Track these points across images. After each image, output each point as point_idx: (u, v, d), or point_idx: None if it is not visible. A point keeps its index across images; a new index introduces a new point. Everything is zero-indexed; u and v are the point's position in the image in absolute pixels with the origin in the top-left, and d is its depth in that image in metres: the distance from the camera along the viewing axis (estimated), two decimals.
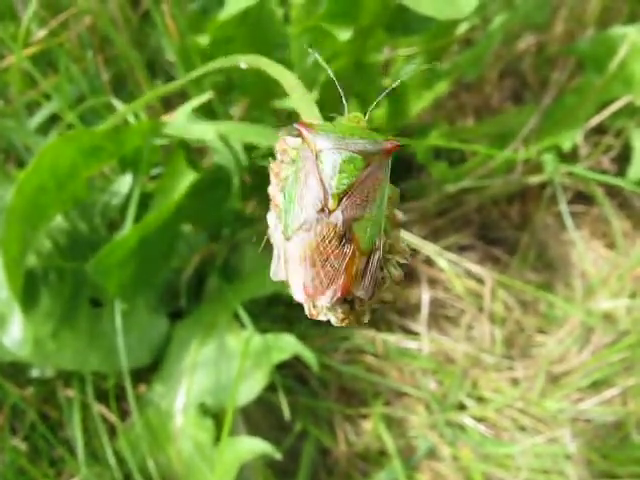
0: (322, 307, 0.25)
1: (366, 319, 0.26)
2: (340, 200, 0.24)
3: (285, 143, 0.28)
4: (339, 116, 0.29)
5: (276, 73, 0.36)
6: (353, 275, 0.25)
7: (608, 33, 0.76)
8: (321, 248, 0.24)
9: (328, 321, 0.26)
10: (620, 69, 0.73)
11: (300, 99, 0.31)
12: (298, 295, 0.25)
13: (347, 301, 0.25)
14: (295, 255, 0.25)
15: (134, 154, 0.60)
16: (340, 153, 0.25)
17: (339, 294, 0.24)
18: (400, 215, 0.27)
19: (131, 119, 0.63)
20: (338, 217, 0.24)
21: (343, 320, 0.26)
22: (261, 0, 0.62)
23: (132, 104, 0.60)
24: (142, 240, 0.56)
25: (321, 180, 0.25)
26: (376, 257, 0.25)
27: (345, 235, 0.25)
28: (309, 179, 0.25)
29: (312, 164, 0.25)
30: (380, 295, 0.26)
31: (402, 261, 0.27)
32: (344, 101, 0.29)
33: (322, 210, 0.25)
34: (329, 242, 0.24)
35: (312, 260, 0.24)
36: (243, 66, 0.40)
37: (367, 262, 0.25)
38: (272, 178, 0.28)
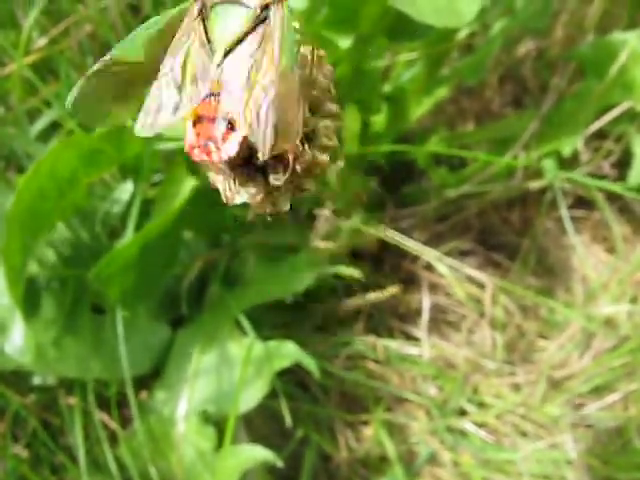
0: (236, 187, 0.24)
1: (285, 205, 0.25)
2: (226, 55, 0.23)
3: None
4: None
5: None
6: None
7: (608, 39, 0.76)
8: (209, 107, 0.22)
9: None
10: (620, 75, 0.73)
11: None
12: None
13: (260, 174, 0.24)
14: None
15: (134, 160, 0.60)
16: (226, 6, 0.23)
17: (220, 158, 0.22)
18: (326, 81, 0.26)
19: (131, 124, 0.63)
20: (225, 73, 0.22)
21: (258, 200, 0.24)
22: None
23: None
24: (143, 248, 0.56)
25: (207, 37, 0.23)
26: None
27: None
28: (194, 35, 0.24)
29: (197, 21, 0.24)
30: (301, 181, 0.25)
31: (328, 143, 0.25)
32: None
33: (206, 68, 0.23)
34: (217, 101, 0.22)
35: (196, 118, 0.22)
36: None
37: None
38: None
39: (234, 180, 0.24)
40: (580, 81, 0.83)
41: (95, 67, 0.25)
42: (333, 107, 0.26)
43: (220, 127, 0.22)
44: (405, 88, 0.78)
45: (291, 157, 0.23)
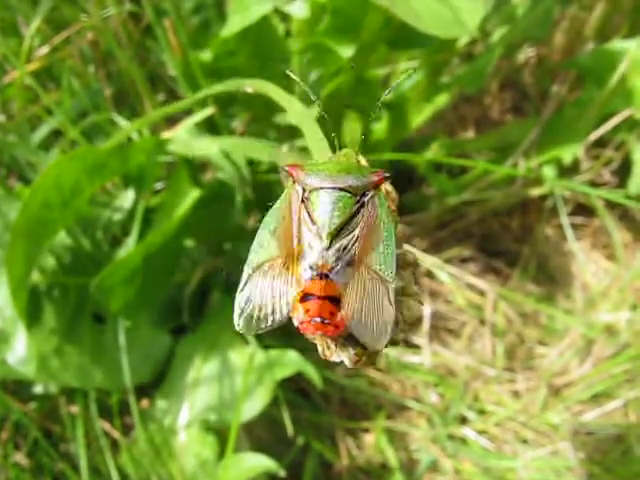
0: (335, 348, 0.25)
1: (379, 361, 0.27)
2: (333, 239, 0.24)
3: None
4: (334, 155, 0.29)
5: (282, 100, 0.36)
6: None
7: (608, 47, 0.76)
8: (317, 286, 0.24)
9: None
10: (620, 83, 0.73)
11: (311, 137, 0.31)
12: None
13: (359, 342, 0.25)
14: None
15: (138, 170, 0.60)
16: (328, 191, 0.25)
17: (334, 333, 0.24)
18: (411, 255, 0.27)
19: (134, 135, 0.63)
20: (331, 255, 0.24)
21: (356, 362, 0.26)
22: (262, 16, 0.62)
23: (136, 123, 0.60)
24: (146, 258, 0.56)
25: (312, 220, 0.25)
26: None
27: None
28: (298, 218, 0.25)
29: (300, 204, 0.25)
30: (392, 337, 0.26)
31: (415, 304, 0.27)
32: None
33: (314, 249, 0.25)
34: (325, 281, 0.24)
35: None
36: (249, 90, 0.40)
37: None
38: None
39: (335, 344, 0.26)
40: (580, 89, 0.83)
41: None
42: (411, 256, 0.28)
43: (329, 306, 0.24)
44: (405, 96, 0.78)
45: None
